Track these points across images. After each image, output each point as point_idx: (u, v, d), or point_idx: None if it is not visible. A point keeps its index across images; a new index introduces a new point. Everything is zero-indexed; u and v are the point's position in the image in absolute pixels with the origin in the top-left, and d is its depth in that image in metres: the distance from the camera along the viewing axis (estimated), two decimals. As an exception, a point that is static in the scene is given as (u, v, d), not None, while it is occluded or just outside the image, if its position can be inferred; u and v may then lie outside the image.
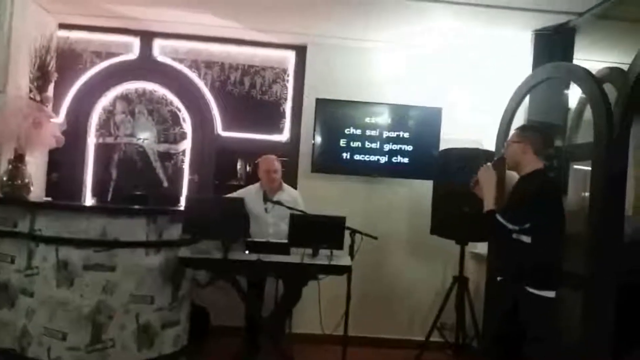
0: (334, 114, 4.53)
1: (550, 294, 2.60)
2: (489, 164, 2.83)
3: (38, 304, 3.22)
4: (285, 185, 4.11)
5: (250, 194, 4.05)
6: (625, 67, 3.17)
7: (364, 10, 3.80)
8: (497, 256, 2.85)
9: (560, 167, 3.79)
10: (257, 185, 4.10)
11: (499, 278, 2.86)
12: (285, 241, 3.45)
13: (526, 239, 2.60)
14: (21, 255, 3.30)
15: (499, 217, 2.61)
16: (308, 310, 4.01)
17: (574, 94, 3.78)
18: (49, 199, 4.05)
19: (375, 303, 4.58)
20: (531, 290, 2.59)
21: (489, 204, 2.69)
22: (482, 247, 4.23)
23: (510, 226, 2.60)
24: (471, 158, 4.13)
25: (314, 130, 4.52)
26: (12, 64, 3.72)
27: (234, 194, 4.09)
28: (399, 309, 4.62)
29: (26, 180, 3.61)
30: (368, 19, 3.98)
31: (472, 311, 4.07)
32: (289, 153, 4.68)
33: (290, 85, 4.82)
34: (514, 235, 2.63)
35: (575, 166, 3.82)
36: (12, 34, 3.70)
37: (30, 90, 3.79)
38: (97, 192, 4.67)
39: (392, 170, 4.55)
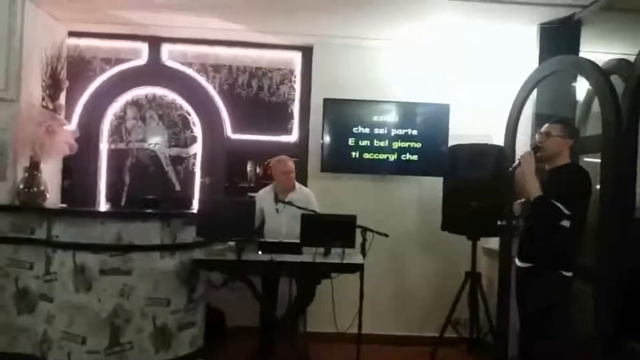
0: (342, 113, 4.56)
1: (570, 274, 2.84)
2: (530, 151, 2.96)
3: (57, 309, 3.29)
4: (298, 185, 4.15)
5: (263, 195, 4.10)
6: (632, 58, 3.15)
7: (369, 8, 3.82)
8: (543, 243, 2.88)
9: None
10: (270, 186, 4.15)
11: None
12: (297, 241, 3.48)
13: (566, 223, 2.73)
14: (39, 262, 3.38)
15: (556, 203, 2.71)
16: (322, 309, 4.04)
17: (582, 86, 3.77)
18: (65, 205, 4.13)
19: (388, 300, 4.60)
20: (565, 273, 2.80)
21: (537, 190, 2.80)
22: (493, 243, 4.24)
23: (566, 211, 2.71)
24: (480, 153, 4.16)
25: (323, 130, 4.55)
26: (24, 73, 3.78)
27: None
28: (412, 305, 4.64)
29: (42, 188, 3.68)
30: (373, 17, 4.00)
31: (486, 306, 4.09)
32: (298, 153, 4.72)
33: (297, 86, 4.85)
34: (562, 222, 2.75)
35: (585, 159, 3.81)
36: (24, 44, 3.76)
37: (43, 99, 3.87)
38: (111, 197, 4.73)
39: (402, 168, 4.57)
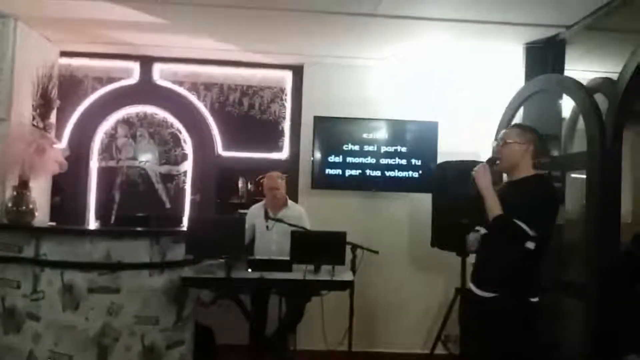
0: (332, 131, 4.60)
1: (537, 299, 2.48)
2: (485, 163, 2.58)
3: (44, 328, 3.25)
4: (290, 202, 4.15)
5: (254, 212, 4.11)
6: (615, 77, 3.23)
7: (358, 29, 3.89)
8: (506, 268, 2.45)
9: (557, 176, 3.84)
10: (261, 203, 4.16)
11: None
12: (287, 258, 3.48)
13: (531, 245, 2.38)
14: (27, 280, 3.33)
15: (519, 223, 2.35)
16: (312, 326, 4.03)
17: (568, 104, 3.84)
18: (53, 223, 4.10)
19: (378, 317, 4.59)
20: (532, 299, 2.44)
21: (496, 208, 2.42)
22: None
23: (531, 232, 2.35)
24: (469, 170, 4.17)
25: (313, 147, 4.59)
26: (15, 92, 3.79)
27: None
28: (403, 322, 4.63)
29: (30, 206, 3.66)
30: (361, 37, 4.07)
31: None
32: (289, 170, 4.74)
33: (288, 104, 4.90)
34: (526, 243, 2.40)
35: (573, 175, 3.86)
36: (15, 64, 3.78)
37: (34, 118, 3.87)
38: (101, 215, 4.72)
39: (391, 185, 4.60)
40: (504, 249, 2.45)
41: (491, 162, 2.58)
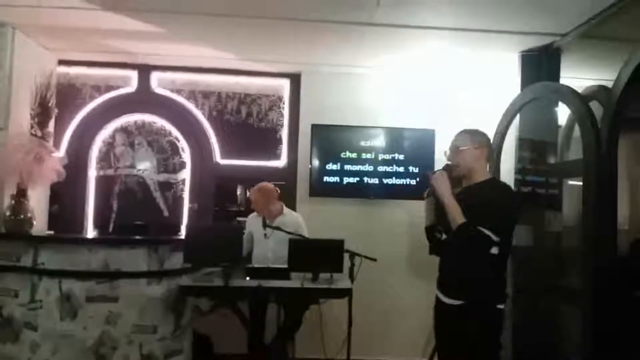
0: (329, 139, 4.62)
1: (503, 305, 2.47)
2: (442, 170, 2.54)
3: (42, 338, 3.25)
4: (286, 210, 4.15)
5: (252, 220, 4.12)
6: (610, 84, 3.25)
7: (355, 38, 3.91)
8: (473, 275, 2.42)
9: (554, 183, 3.87)
10: (259, 211, 4.16)
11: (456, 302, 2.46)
12: (285, 266, 3.48)
13: (495, 250, 2.36)
14: (24, 289, 3.34)
15: (482, 229, 2.32)
16: (310, 334, 4.02)
17: (564, 112, 3.87)
18: (51, 232, 4.10)
19: (377, 325, 4.58)
20: (500, 307, 2.42)
21: (459, 216, 2.38)
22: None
23: (495, 238, 2.33)
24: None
25: (311, 155, 4.60)
26: (13, 101, 3.80)
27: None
28: (402, 330, 4.62)
29: (29, 215, 3.67)
30: (359, 46, 4.09)
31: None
32: (286, 178, 4.75)
33: (286, 112, 4.92)
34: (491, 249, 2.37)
35: (570, 182, 3.89)
36: (13, 72, 3.79)
37: (32, 127, 3.88)
38: (99, 223, 4.72)
39: (389, 192, 4.61)
40: (468, 256, 2.43)
41: (449, 168, 2.55)
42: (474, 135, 2.56)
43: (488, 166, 2.58)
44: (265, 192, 4.04)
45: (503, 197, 2.46)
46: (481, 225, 2.33)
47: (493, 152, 2.64)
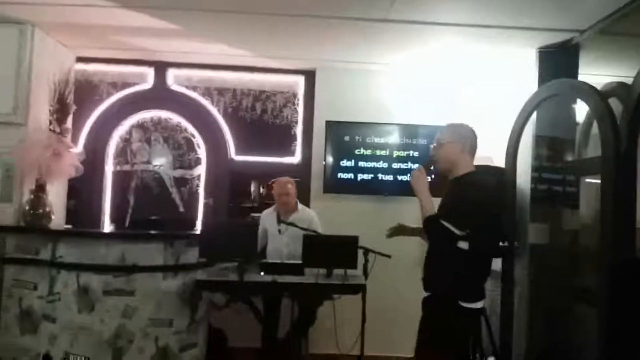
0: (344, 136, 4.62)
1: (480, 304, 2.47)
2: (421, 166, 2.61)
3: (60, 329, 3.30)
4: (300, 206, 4.17)
5: (267, 215, 4.14)
6: (629, 81, 3.20)
7: (370, 34, 3.90)
8: (439, 268, 2.49)
9: (571, 181, 3.82)
10: (273, 207, 4.18)
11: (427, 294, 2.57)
12: (300, 262, 3.49)
13: (464, 245, 2.38)
14: (43, 282, 3.40)
15: (444, 223, 2.38)
16: (324, 330, 4.03)
17: (582, 109, 3.81)
18: (69, 226, 4.17)
19: (390, 322, 4.57)
20: (464, 304, 2.41)
21: (429, 209, 2.47)
22: (494, 263, 4.22)
23: (457, 232, 2.36)
24: (481, 175, 4.17)
25: (325, 151, 4.61)
26: (32, 97, 3.86)
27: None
28: (415, 327, 4.56)
29: (47, 209, 3.72)
30: (373, 42, 4.08)
31: (489, 328, 4.05)
32: (301, 175, 4.76)
33: (300, 108, 4.93)
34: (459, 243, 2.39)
35: (587, 180, 3.83)
36: (32, 70, 3.85)
37: (50, 122, 3.94)
38: (116, 218, 4.78)
39: (403, 189, 4.57)
40: (437, 250, 2.50)
41: (428, 164, 2.61)
42: (456, 129, 2.58)
43: (471, 160, 2.58)
44: (295, 185, 4.14)
45: (470, 191, 2.45)
46: (444, 218, 2.39)
47: (476, 145, 2.60)
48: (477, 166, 4.14)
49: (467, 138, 2.55)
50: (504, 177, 3.91)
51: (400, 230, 3.00)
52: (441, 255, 2.49)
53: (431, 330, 2.50)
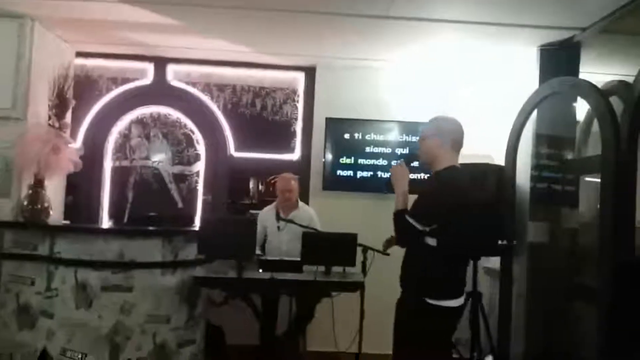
0: (343, 133, 4.61)
1: (453, 302, 2.40)
2: (401, 161, 2.62)
3: (58, 325, 3.28)
4: (301, 204, 4.17)
5: (266, 213, 4.13)
6: (630, 80, 3.19)
7: (370, 31, 3.88)
8: (406, 265, 2.49)
9: (570, 179, 3.81)
10: (272, 204, 4.18)
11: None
12: (298, 259, 3.49)
13: (432, 241, 2.33)
14: (41, 278, 3.38)
15: (408, 218, 2.35)
16: (322, 327, 4.02)
17: (582, 107, 3.80)
18: (67, 222, 4.15)
19: (389, 319, 4.52)
20: (431, 302, 2.34)
21: (399, 203, 2.45)
22: (494, 262, 4.23)
23: (419, 227, 2.32)
24: (482, 173, 4.16)
25: (325, 148, 4.60)
26: (31, 92, 3.84)
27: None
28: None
29: (45, 205, 3.71)
30: (374, 39, 4.06)
31: (487, 326, 4.05)
32: (300, 171, 4.75)
33: (300, 105, 4.92)
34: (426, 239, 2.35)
35: (587, 178, 3.82)
36: (32, 64, 3.84)
37: (49, 117, 3.92)
38: (114, 214, 4.78)
39: (403, 187, 4.58)
40: (409, 247, 2.48)
41: (408, 159, 2.63)
42: (439, 123, 2.54)
43: (455, 154, 2.52)
44: (298, 182, 4.19)
45: (442, 186, 2.42)
46: (409, 213, 2.37)
47: (461, 140, 2.55)
48: (478, 164, 4.19)
49: (449, 132, 2.49)
50: (502, 174, 3.90)
51: (393, 242, 2.96)
52: (409, 252, 2.49)
53: (400, 331, 2.50)
